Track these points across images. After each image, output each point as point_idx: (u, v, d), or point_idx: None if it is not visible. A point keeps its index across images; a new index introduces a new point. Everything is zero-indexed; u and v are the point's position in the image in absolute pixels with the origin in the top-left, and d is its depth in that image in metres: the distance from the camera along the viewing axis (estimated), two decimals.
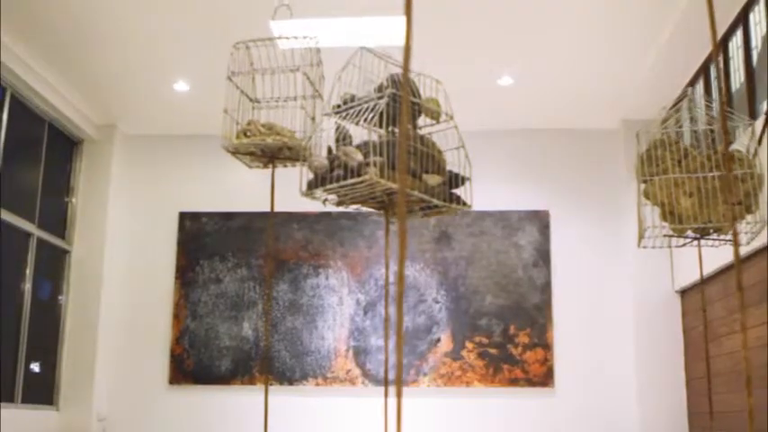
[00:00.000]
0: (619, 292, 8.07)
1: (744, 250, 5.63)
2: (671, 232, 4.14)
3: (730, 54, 6.56)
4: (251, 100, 3.84)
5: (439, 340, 8.08)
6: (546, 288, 8.13)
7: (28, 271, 7.49)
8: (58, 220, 8.14)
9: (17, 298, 7.35)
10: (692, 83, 7.39)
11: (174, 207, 8.55)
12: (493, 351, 8.02)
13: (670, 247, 4.32)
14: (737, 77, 6.43)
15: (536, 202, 8.37)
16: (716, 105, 4.83)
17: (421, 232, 8.23)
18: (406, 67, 1.18)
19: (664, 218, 4.11)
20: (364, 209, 3.33)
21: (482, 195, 8.09)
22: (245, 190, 8.37)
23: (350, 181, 2.99)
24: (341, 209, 3.47)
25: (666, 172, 3.95)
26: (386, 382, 3.43)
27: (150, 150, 8.73)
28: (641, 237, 4.32)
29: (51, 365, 7.88)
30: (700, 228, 4.10)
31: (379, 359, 8.06)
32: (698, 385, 7.40)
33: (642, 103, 7.70)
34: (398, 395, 1.16)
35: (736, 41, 6.39)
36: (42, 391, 7.73)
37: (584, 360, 8.00)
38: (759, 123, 5.65)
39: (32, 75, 7.16)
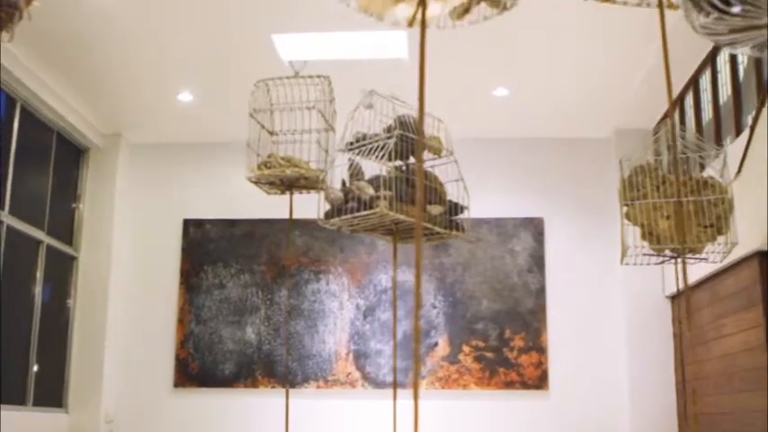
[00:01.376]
0: (611, 296, 8.31)
1: (732, 255, 5.90)
2: (650, 251, 4.45)
3: (718, 68, 6.80)
4: (270, 133, 4.11)
5: (436, 344, 8.31)
6: (540, 293, 8.37)
7: (38, 277, 7.70)
8: (65, 228, 8.35)
9: (28, 304, 7.56)
10: (682, 96, 7.63)
11: (178, 214, 8.77)
12: (489, 355, 8.25)
13: (650, 264, 4.62)
14: (725, 91, 6.67)
15: (531, 209, 8.60)
16: (690, 135, 5.16)
17: None
18: (420, 130, 1.41)
19: (644, 238, 4.45)
20: (375, 235, 3.63)
21: (478, 203, 8.32)
22: (248, 197, 8.54)
23: (363, 213, 3.36)
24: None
25: (646, 197, 4.27)
26: (395, 385, 3.69)
27: (155, 158, 8.95)
28: (624, 255, 4.67)
29: (61, 369, 8.10)
30: (676, 248, 4.43)
31: (378, 362, 8.29)
32: (687, 388, 7.64)
33: (634, 114, 7.94)
34: (415, 398, 1.39)
35: (724, 56, 6.64)
36: (52, 394, 7.94)
37: (578, 363, 8.23)
38: (730, 149, 5.90)
39: (41, 86, 7.37)
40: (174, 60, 7.22)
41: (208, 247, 8.66)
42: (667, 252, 4.52)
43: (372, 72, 6.97)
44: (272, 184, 4.09)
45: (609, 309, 8.30)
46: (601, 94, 7.73)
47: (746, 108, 6.21)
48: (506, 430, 8.10)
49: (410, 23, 1.79)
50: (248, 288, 8.53)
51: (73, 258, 8.37)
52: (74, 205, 8.55)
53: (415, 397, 1.42)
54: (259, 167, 3.97)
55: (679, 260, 4.61)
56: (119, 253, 8.54)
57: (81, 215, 8.53)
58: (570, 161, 8.68)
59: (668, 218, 4.23)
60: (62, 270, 8.24)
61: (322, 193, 3.52)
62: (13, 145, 7.20)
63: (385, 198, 3.26)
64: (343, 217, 3.50)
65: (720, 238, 4.46)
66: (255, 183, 4.11)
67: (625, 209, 4.56)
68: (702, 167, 5.02)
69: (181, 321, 8.50)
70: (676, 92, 7.57)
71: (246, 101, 7.87)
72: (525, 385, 8.17)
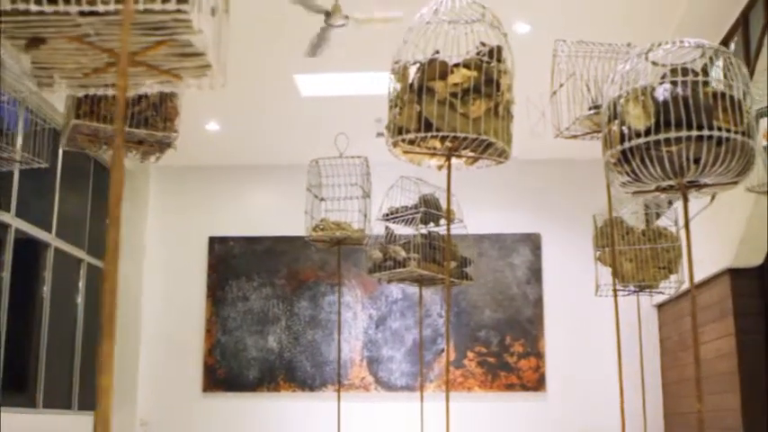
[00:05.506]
0: (603, 305, 9.03)
1: (706, 272, 6.72)
2: (618, 287, 5.36)
3: None
4: (320, 200, 4.95)
5: (443, 350, 9.07)
6: (538, 303, 9.12)
7: (79, 293, 8.46)
8: (101, 246, 9.07)
9: (71, 317, 8.32)
10: None
11: (204, 232, 9.53)
12: (491, 360, 9.01)
13: (619, 296, 5.54)
14: None
15: (529, 225, 9.36)
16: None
17: None
18: (448, 221, 2.16)
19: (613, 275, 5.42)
20: (405, 283, 4.54)
21: (480, 220, 9.12)
22: (269, 216, 9.37)
23: (397, 270, 4.33)
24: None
25: (614, 244, 5.20)
26: (421, 389, 4.59)
27: (183, 181, 9.71)
28: (597, 289, 5.60)
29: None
30: (638, 284, 5.36)
31: (390, 368, 9.04)
32: (672, 389, 8.41)
33: None
34: (447, 399, 2.12)
35: None
36: (92, 399, 8.69)
37: (573, 367, 8.98)
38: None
39: None
40: (203, 95, 7.94)
41: (232, 263, 9.42)
42: (631, 287, 5.49)
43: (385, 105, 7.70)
44: (323, 241, 4.99)
45: (601, 317, 9.03)
46: None
47: None
48: (507, 429, 8.85)
49: (440, 168, 2.55)
50: (269, 300, 9.28)
51: None
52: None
53: (447, 399, 2.15)
54: (314, 229, 4.85)
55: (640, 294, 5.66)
56: (150, 268, 9.31)
57: None
58: (565, 182, 9.43)
59: (631, 261, 5.19)
60: (99, 285, 8.99)
61: (365, 254, 4.45)
62: (58, 174, 7.95)
63: (414, 259, 4.17)
64: (382, 272, 4.49)
65: (672, 277, 5.42)
66: (311, 241, 5.02)
67: (598, 253, 5.48)
68: (654, 219, 5.99)
69: (208, 331, 9.26)
70: None
71: (268, 130, 8.65)
72: (524, 387, 8.92)
